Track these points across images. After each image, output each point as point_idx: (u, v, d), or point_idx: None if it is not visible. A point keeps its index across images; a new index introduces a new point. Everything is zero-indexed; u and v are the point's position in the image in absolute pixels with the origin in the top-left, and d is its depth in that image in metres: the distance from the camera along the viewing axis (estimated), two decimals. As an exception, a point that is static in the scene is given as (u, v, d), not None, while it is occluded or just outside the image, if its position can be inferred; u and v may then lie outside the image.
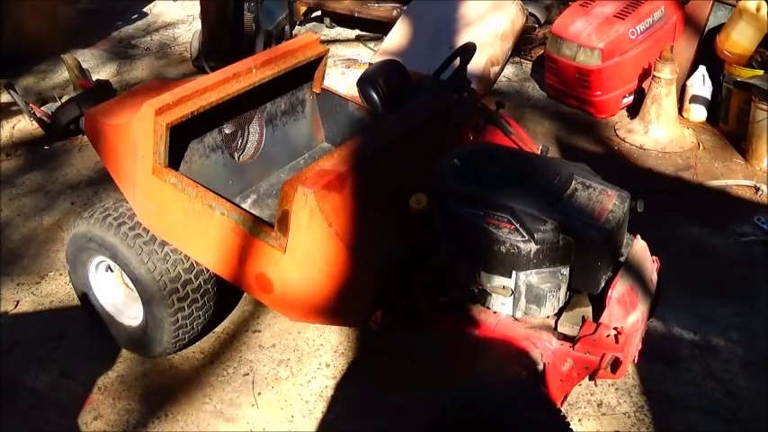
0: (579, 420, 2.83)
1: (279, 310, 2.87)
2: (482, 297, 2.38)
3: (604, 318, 2.22)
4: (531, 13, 6.00)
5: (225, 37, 5.61)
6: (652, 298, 2.43)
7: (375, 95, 3.70)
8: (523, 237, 2.20)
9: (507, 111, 4.38)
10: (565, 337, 2.32)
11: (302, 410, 2.92)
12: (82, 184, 4.50)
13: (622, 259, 2.38)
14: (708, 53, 4.94)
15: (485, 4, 5.58)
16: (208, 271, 2.92)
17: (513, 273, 2.26)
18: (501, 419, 2.08)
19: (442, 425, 2.17)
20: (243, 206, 3.06)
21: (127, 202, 2.92)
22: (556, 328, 2.33)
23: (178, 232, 2.77)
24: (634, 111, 4.99)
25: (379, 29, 6.44)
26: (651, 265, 2.49)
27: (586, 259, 2.22)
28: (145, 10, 7.45)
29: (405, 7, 6.03)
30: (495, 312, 2.39)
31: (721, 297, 3.41)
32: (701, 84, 4.92)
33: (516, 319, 2.37)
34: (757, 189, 4.23)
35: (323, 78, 3.30)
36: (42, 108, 4.94)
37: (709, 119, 4.99)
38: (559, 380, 2.34)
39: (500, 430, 2.09)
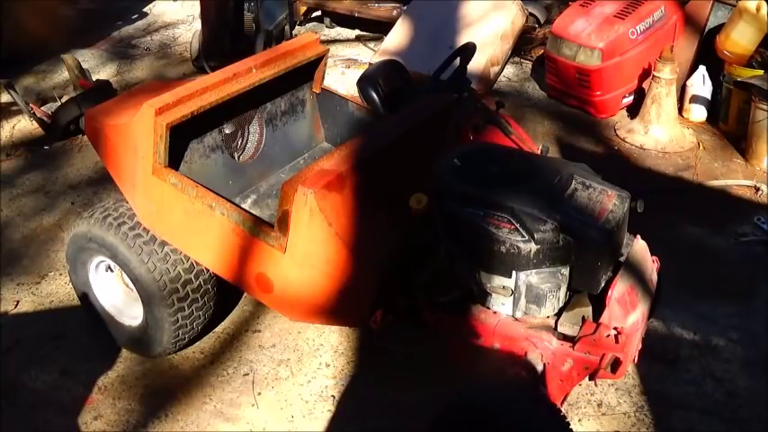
0: (579, 420, 2.83)
1: (279, 310, 2.87)
2: (482, 297, 2.38)
3: (604, 318, 2.22)
4: (531, 13, 6.00)
5: (225, 37, 5.61)
6: (652, 298, 2.43)
7: (375, 95, 3.70)
8: (523, 237, 2.20)
9: (507, 111, 4.38)
10: (565, 337, 2.32)
11: (302, 410, 2.92)
12: (82, 184, 4.50)
13: (622, 259, 2.38)
14: (708, 53, 4.94)
15: (485, 4, 5.58)
16: (208, 271, 2.92)
17: (513, 273, 2.26)
18: (501, 419, 2.08)
19: (442, 424, 2.17)
20: (243, 206, 3.06)
21: (127, 202, 2.92)
22: (556, 328, 2.33)
23: (178, 232, 2.77)
24: (634, 111, 4.99)
25: (379, 29, 6.44)
26: (651, 265, 2.49)
27: (586, 259, 2.22)
28: (145, 10, 7.45)
29: (405, 7, 6.03)
30: (495, 312, 2.39)
31: (721, 297, 3.41)
32: (700, 84, 4.92)
33: (516, 319, 2.37)
34: (757, 189, 4.23)
35: (323, 78, 3.30)
36: (42, 108, 4.95)
37: (709, 119, 4.99)
38: (559, 380, 2.34)
39: (500, 430, 2.09)
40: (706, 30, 5.08)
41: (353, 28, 6.82)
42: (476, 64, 4.88)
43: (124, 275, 2.97)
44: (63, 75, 5.77)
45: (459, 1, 5.63)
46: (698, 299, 3.39)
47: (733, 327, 3.25)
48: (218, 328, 3.32)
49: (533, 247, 2.20)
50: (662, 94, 4.68)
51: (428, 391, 2.79)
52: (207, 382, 3.06)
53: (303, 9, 6.77)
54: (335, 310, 2.55)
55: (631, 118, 5.00)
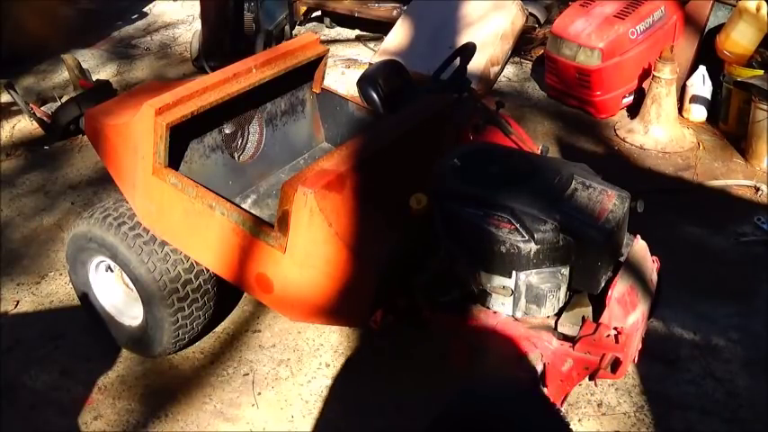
0: (579, 420, 2.83)
1: (279, 311, 2.87)
2: (482, 297, 2.38)
3: (604, 318, 2.22)
4: (531, 13, 6.00)
5: (225, 37, 5.62)
6: (652, 298, 2.43)
7: (375, 95, 3.70)
8: (523, 237, 2.20)
9: (507, 111, 4.38)
10: (565, 337, 2.32)
11: (302, 410, 2.92)
12: (82, 184, 4.50)
13: (622, 259, 2.38)
14: (708, 53, 4.94)
15: (485, 4, 5.58)
16: (208, 271, 2.92)
17: (513, 273, 2.26)
18: (501, 419, 2.08)
19: (442, 425, 2.17)
20: (243, 206, 3.06)
21: (127, 202, 2.92)
22: (556, 328, 2.33)
23: (178, 232, 2.77)
24: (634, 111, 4.99)
25: (379, 29, 6.44)
26: (651, 265, 2.49)
27: (586, 259, 2.22)
28: (145, 10, 7.45)
29: (405, 7, 6.04)
30: (495, 312, 2.39)
31: (721, 297, 3.41)
32: (700, 84, 4.92)
33: (516, 319, 2.37)
34: (757, 189, 4.23)
35: (323, 78, 3.30)
36: (42, 108, 4.95)
37: (709, 119, 4.99)
38: (559, 380, 2.34)
39: (500, 430, 2.09)
40: (706, 30, 5.08)
41: (353, 28, 6.82)
42: (476, 64, 4.88)
43: (124, 275, 2.97)
44: (63, 75, 5.77)
45: (459, 1, 5.63)
46: (698, 299, 3.39)
47: (733, 327, 3.25)
48: (218, 328, 3.32)
49: (533, 247, 2.20)
50: (662, 94, 4.68)
51: (428, 391, 2.79)
52: (207, 382, 3.06)
53: (303, 9, 6.77)
54: (335, 309, 2.55)
55: (631, 118, 5.00)
